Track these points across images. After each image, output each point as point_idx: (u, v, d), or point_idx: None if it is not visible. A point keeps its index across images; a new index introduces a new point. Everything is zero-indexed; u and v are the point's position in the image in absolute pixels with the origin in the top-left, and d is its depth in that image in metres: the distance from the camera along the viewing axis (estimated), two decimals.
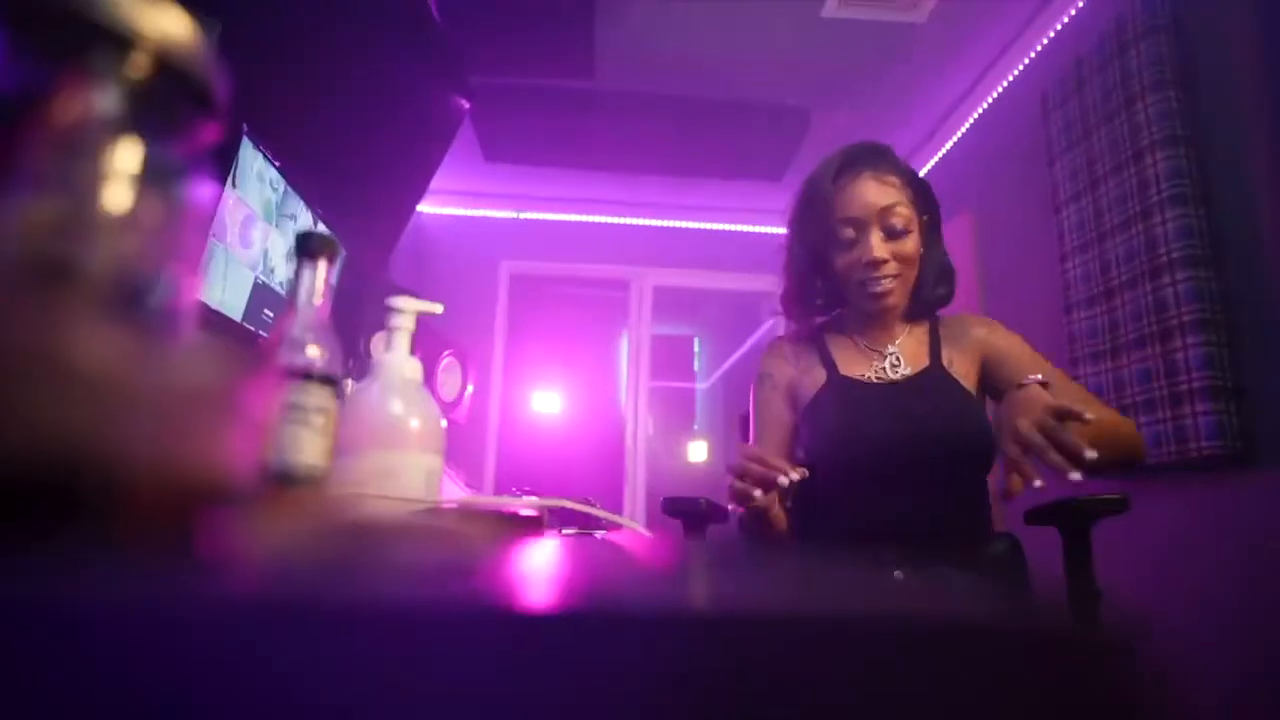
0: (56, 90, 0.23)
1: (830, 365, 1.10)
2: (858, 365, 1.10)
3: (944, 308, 1.15)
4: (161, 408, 0.13)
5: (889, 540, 0.98)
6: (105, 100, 0.24)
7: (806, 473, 0.84)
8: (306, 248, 0.48)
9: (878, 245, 1.02)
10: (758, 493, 0.84)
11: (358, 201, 2.12)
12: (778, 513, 0.96)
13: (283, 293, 1.56)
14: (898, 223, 1.02)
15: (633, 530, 0.71)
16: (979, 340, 1.10)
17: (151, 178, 0.24)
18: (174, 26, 0.25)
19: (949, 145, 3.16)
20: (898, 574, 0.95)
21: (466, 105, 2.61)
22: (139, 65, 0.25)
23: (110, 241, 0.22)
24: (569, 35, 2.42)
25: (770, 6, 2.53)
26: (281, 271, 1.55)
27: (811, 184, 1.10)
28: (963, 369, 1.08)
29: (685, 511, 1.39)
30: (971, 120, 2.99)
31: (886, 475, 1.00)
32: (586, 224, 4.18)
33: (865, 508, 1.00)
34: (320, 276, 0.48)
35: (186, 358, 0.15)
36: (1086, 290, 2.16)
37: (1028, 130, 2.55)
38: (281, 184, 1.54)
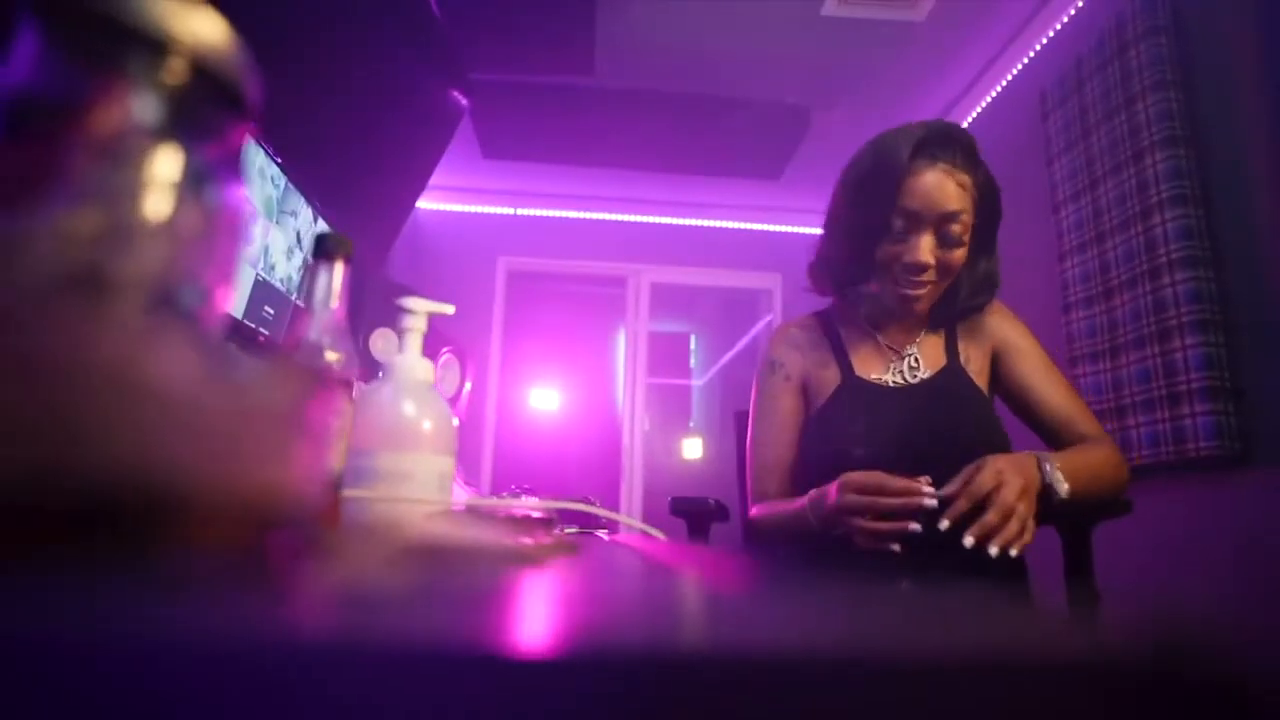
0: (94, 96, 0.22)
1: (845, 363, 1.06)
2: (874, 365, 1.06)
3: (970, 315, 1.10)
4: (234, 427, 0.13)
5: (903, 545, 0.97)
6: (143, 106, 0.23)
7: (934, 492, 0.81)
8: (323, 249, 0.48)
9: (926, 248, 0.95)
10: (913, 526, 0.81)
11: (357, 198, 2.11)
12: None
13: (283, 289, 1.55)
14: (955, 230, 0.95)
15: (647, 533, 0.71)
16: (991, 331, 1.07)
17: (190, 183, 0.24)
18: (208, 30, 0.25)
19: None
20: (906, 586, 0.96)
21: (465, 102, 2.60)
22: (174, 70, 0.24)
23: (153, 250, 0.22)
24: (569, 32, 2.41)
25: (770, 4, 2.53)
26: (282, 268, 1.54)
27: (880, 153, 0.98)
28: (977, 365, 1.06)
29: (692, 511, 1.39)
30: (970, 119, 2.99)
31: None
32: (584, 220, 4.17)
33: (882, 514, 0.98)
34: (337, 278, 0.48)
35: (256, 376, 0.15)
36: (1085, 290, 2.16)
37: (1026, 129, 2.56)
38: (283, 180, 1.53)
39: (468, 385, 2.99)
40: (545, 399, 4.94)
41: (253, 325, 1.42)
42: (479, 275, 4.07)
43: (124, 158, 0.22)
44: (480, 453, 3.87)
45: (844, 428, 1.01)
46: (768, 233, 4.18)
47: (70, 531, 0.11)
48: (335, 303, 0.47)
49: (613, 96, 3.03)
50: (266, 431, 0.14)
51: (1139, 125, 1.99)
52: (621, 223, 4.20)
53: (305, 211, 1.65)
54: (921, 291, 0.97)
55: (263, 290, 1.48)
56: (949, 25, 2.61)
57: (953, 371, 1.04)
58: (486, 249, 4.10)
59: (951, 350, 1.06)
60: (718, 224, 4.20)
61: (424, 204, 3.88)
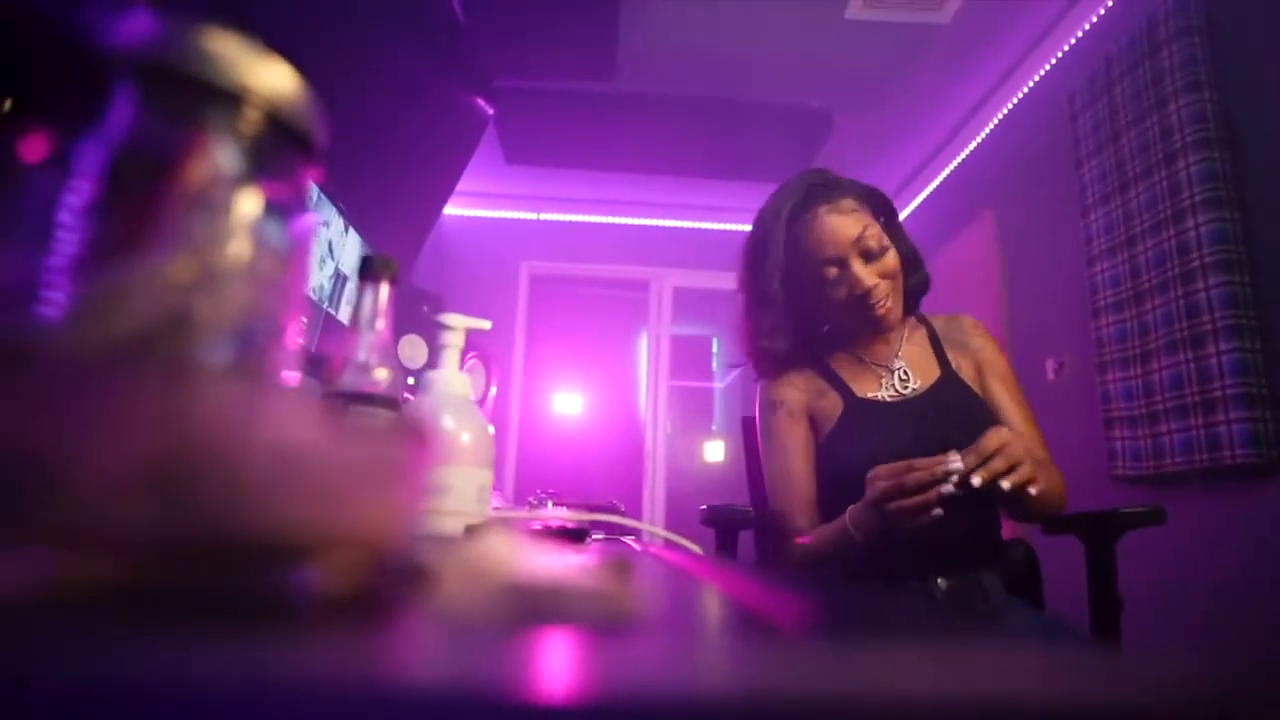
0: (183, 149, 0.24)
1: (843, 388, 1.09)
2: (868, 384, 1.10)
3: (924, 294, 1.15)
4: (352, 480, 0.14)
5: (929, 549, 0.98)
6: (225, 155, 0.25)
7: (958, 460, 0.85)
8: (369, 271, 0.49)
9: (865, 274, 1.03)
10: (946, 487, 0.85)
11: (386, 206, 2.14)
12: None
13: (315, 298, 1.58)
14: (872, 244, 1.03)
15: (686, 547, 0.72)
16: (975, 347, 1.13)
17: (267, 224, 0.26)
18: (281, 80, 0.27)
19: (973, 145, 3.13)
20: (941, 582, 0.97)
21: (490, 110, 2.63)
22: (251, 120, 0.26)
23: (240, 292, 0.23)
24: (592, 38, 2.43)
25: (793, 8, 2.53)
26: (314, 277, 1.58)
27: (766, 232, 1.10)
28: (970, 373, 1.10)
29: (724, 520, 1.38)
30: (996, 120, 2.96)
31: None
32: (606, 225, 4.19)
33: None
34: (383, 298, 0.49)
35: (368, 432, 0.16)
36: (1115, 294, 2.13)
37: (1054, 131, 2.53)
38: (315, 191, 1.57)
39: (493, 390, 3.03)
40: (568, 403, 4.97)
41: None
42: (502, 280, 4.10)
43: (211, 205, 0.24)
44: (504, 457, 3.90)
45: (856, 449, 1.02)
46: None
47: (207, 574, 0.12)
48: (381, 323, 0.49)
49: (635, 102, 3.04)
50: (380, 482, 0.15)
51: (1171, 127, 1.96)
52: (643, 227, 4.21)
53: (337, 221, 1.69)
54: (887, 304, 1.04)
55: None
56: (975, 27, 2.59)
57: (950, 381, 1.08)
58: (510, 254, 4.14)
59: (943, 360, 1.11)
60: (740, 227, 4.19)
61: (448, 210, 3.93)
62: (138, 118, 0.23)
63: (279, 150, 0.27)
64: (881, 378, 1.10)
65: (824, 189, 1.07)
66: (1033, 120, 2.74)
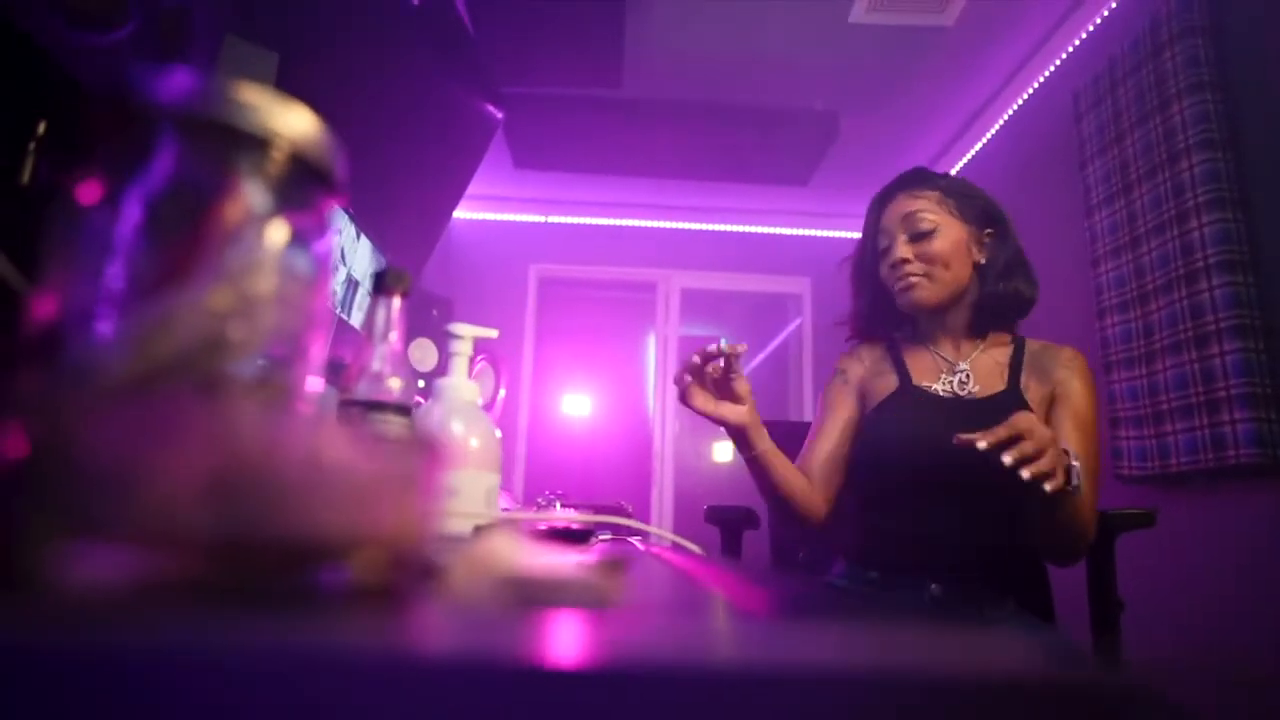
0: (218, 190, 0.26)
1: (903, 373, 1.14)
2: (929, 375, 1.13)
3: (1022, 314, 1.14)
4: (377, 491, 0.17)
5: (932, 552, 1.00)
6: (253, 193, 0.28)
7: (734, 348, 0.98)
8: (382, 285, 0.52)
9: (901, 247, 1.10)
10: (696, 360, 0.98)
11: (397, 212, 2.18)
12: (763, 453, 1.03)
13: (329, 304, 1.62)
14: (922, 225, 1.09)
15: (687, 548, 0.74)
16: (1059, 374, 1.08)
17: (293, 254, 0.28)
18: (303, 124, 0.29)
19: (978, 147, 3.14)
20: (934, 588, 0.99)
21: (500, 116, 2.67)
22: (278, 161, 0.29)
23: (272, 315, 0.26)
24: (598, 45, 2.46)
25: (797, 13, 2.55)
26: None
27: (867, 213, 1.19)
28: (1036, 398, 1.07)
29: (727, 520, 1.41)
30: (1001, 122, 2.97)
31: (939, 488, 1.01)
32: (614, 227, 4.22)
33: (917, 517, 1.02)
34: (395, 310, 0.52)
35: (390, 448, 0.19)
36: (1120, 295, 2.14)
37: (1059, 133, 2.53)
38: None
39: (502, 392, 3.06)
40: (577, 404, 4.99)
41: None
42: (511, 283, 4.14)
43: (244, 239, 0.27)
44: (514, 459, 3.94)
45: (893, 430, 1.07)
46: (796, 237, 4.19)
47: (256, 570, 0.15)
48: (394, 334, 0.52)
49: (641, 106, 3.07)
50: (399, 490, 0.17)
51: (1175, 128, 1.97)
52: (651, 229, 4.24)
53: (349, 228, 1.72)
54: (914, 282, 1.09)
55: None
56: (979, 29, 2.60)
57: (1011, 396, 1.06)
58: (518, 257, 4.18)
59: (1014, 378, 1.08)
60: (747, 229, 4.22)
61: (458, 214, 3.96)
62: (178, 163, 0.26)
63: (302, 186, 0.30)
64: (942, 373, 1.12)
65: (912, 178, 1.16)
66: (1037, 122, 2.75)
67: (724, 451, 5.35)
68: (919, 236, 1.09)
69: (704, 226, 4.24)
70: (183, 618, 0.14)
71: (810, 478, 1.11)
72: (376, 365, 0.50)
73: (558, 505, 1.54)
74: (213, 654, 0.14)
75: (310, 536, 0.15)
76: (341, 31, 1.62)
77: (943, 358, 1.13)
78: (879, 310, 1.19)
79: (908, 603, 1.00)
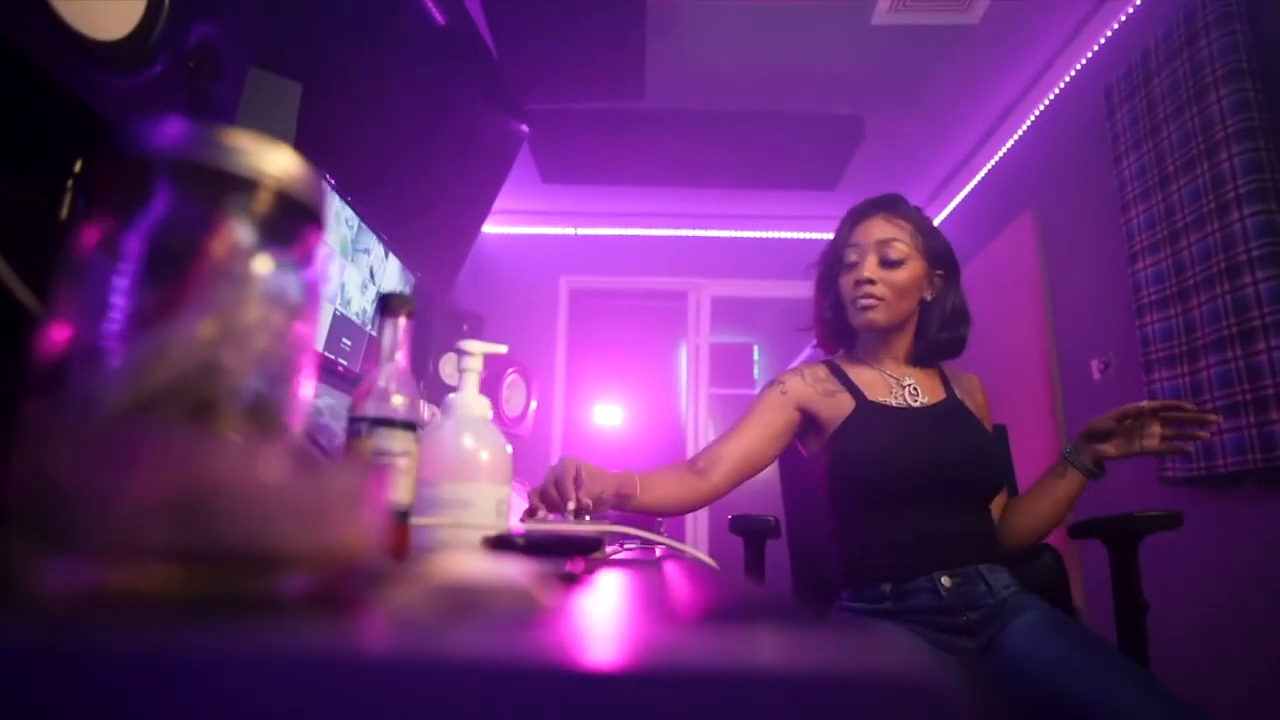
0: (209, 229, 0.29)
1: (856, 392, 1.18)
2: (880, 391, 1.18)
3: (954, 355, 1.25)
4: (322, 505, 0.18)
5: (931, 551, 1.02)
6: (242, 230, 0.30)
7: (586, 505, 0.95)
8: (387, 307, 0.55)
9: (870, 267, 1.16)
10: (541, 513, 0.98)
11: (425, 230, 2.23)
12: (638, 506, 1.06)
13: (358, 322, 1.67)
14: (892, 254, 1.15)
15: (697, 558, 0.75)
16: (979, 401, 1.25)
17: (279, 285, 0.31)
18: (287, 164, 0.32)
19: (1009, 144, 3.09)
20: (944, 579, 1.00)
21: (526, 130, 2.72)
22: (264, 199, 0.31)
23: (254, 343, 0.28)
24: (620, 59, 2.49)
25: (818, 17, 2.54)
26: (357, 302, 1.66)
27: (839, 226, 1.25)
28: (970, 406, 1.21)
29: (750, 530, 1.41)
30: (1032, 118, 2.91)
31: (924, 492, 1.06)
32: (643, 238, 4.25)
33: (906, 523, 1.06)
34: (400, 331, 0.55)
35: (339, 467, 0.20)
36: (1159, 291, 2.08)
37: (1091, 127, 2.48)
38: (356, 221, 1.65)
39: (533, 404, 3.10)
40: (609, 414, 5.02)
41: (332, 356, 1.54)
42: (542, 295, 4.19)
43: (234, 275, 0.29)
44: (547, 469, 3.97)
45: (868, 446, 1.11)
46: (826, 242, 4.16)
47: (214, 580, 0.17)
48: (400, 354, 0.54)
49: (666, 117, 3.09)
50: (340, 507, 0.19)
51: (1212, 118, 1.91)
52: (680, 238, 4.25)
53: (377, 248, 1.77)
54: (874, 304, 1.15)
55: (341, 324, 1.60)
56: (1006, 25, 2.56)
57: (956, 403, 1.19)
58: (549, 269, 4.23)
59: (949, 389, 1.22)
60: (776, 235, 4.21)
61: (487, 228, 4.04)
62: (172, 206, 0.28)
63: (289, 221, 0.32)
64: (892, 388, 1.19)
65: (891, 202, 1.22)
66: (1069, 117, 2.69)
67: None
68: (889, 264, 1.16)
69: (733, 234, 4.23)
70: (144, 625, 0.16)
71: (716, 462, 1.13)
72: (383, 383, 0.52)
73: (587, 518, 1.56)
74: (170, 657, 0.15)
75: (260, 550, 0.17)
76: (365, 56, 1.67)
77: (888, 374, 1.20)
78: (839, 317, 1.25)
79: (922, 604, 1.01)
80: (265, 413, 0.29)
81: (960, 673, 0.14)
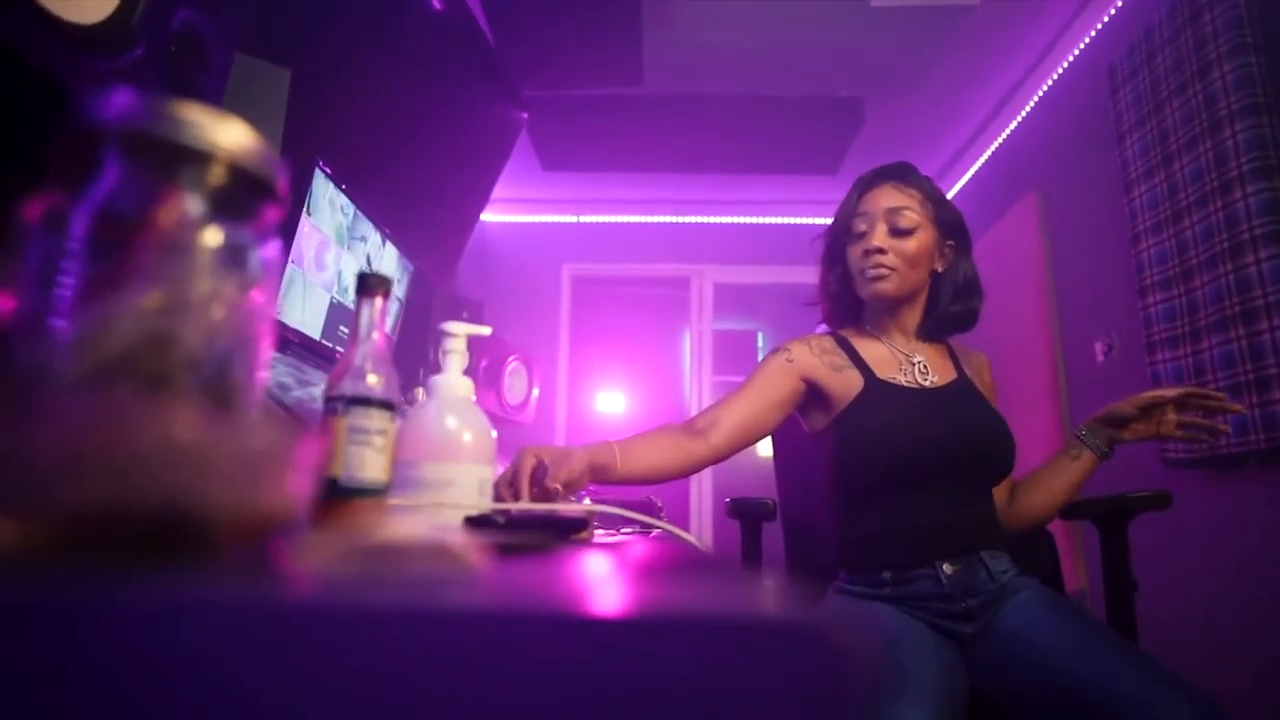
0: (159, 201, 0.29)
1: (865, 368, 1.13)
2: (889, 368, 1.14)
3: (966, 329, 1.20)
4: (239, 465, 0.18)
5: (937, 538, 1.01)
6: (194, 204, 0.30)
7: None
8: (364, 286, 0.55)
9: (879, 236, 1.12)
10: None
11: (423, 218, 2.23)
12: (620, 477, 0.97)
13: (354, 308, 1.67)
14: (903, 222, 1.11)
15: (683, 538, 0.75)
16: (986, 381, 1.21)
17: (232, 259, 0.31)
18: (239, 137, 0.32)
19: (1013, 125, 3.06)
20: (946, 567, 0.99)
21: (524, 117, 2.71)
22: (218, 173, 0.31)
23: (204, 315, 0.28)
24: (617, 45, 2.48)
25: (816, 1, 2.52)
26: (354, 290, 1.66)
27: (848, 192, 1.22)
28: (979, 386, 1.18)
29: (747, 513, 1.41)
30: (1035, 99, 2.88)
31: (935, 477, 1.04)
32: (645, 224, 4.24)
33: (911, 506, 1.03)
34: (377, 311, 0.55)
35: (258, 426, 0.20)
36: (1162, 271, 2.06)
37: (1095, 107, 2.45)
38: (351, 209, 1.65)
39: (535, 391, 3.11)
40: (613, 401, 5.02)
41: (329, 344, 1.54)
42: (545, 283, 4.19)
43: (182, 246, 0.29)
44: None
45: (871, 424, 1.07)
46: (828, 226, 4.13)
47: (126, 540, 0.17)
48: (376, 334, 0.54)
49: (665, 103, 3.07)
50: (259, 468, 0.19)
51: (1215, 95, 1.89)
52: (682, 225, 4.24)
53: (374, 236, 1.78)
54: (884, 274, 1.11)
55: (338, 311, 1.60)
56: (1007, 5, 2.53)
57: (966, 383, 1.16)
58: (551, 257, 4.22)
59: (959, 368, 1.18)
60: (778, 220, 4.19)
61: (489, 217, 4.04)
62: (122, 177, 0.29)
63: (243, 195, 0.32)
64: (901, 365, 1.14)
65: (900, 171, 1.18)
66: (1072, 98, 2.66)
67: (764, 446, 5.34)
68: (899, 232, 1.12)
69: (735, 220, 4.22)
70: (57, 582, 0.16)
71: (716, 423, 1.08)
72: (359, 362, 0.52)
73: (587, 500, 1.56)
74: (83, 613, 0.16)
75: (173, 508, 0.17)
76: (359, 43, 1.67)
77: (898, 350, 1.16)
78: (846, 291, 1.21)
79: (922, 591, 1.00)
80: (221, 384, 0.29)
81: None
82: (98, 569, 0.17)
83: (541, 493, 0.87)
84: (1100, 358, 2.43)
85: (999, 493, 1.15)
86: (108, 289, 0.27)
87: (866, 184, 1.18)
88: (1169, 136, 2.06)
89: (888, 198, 1.13)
